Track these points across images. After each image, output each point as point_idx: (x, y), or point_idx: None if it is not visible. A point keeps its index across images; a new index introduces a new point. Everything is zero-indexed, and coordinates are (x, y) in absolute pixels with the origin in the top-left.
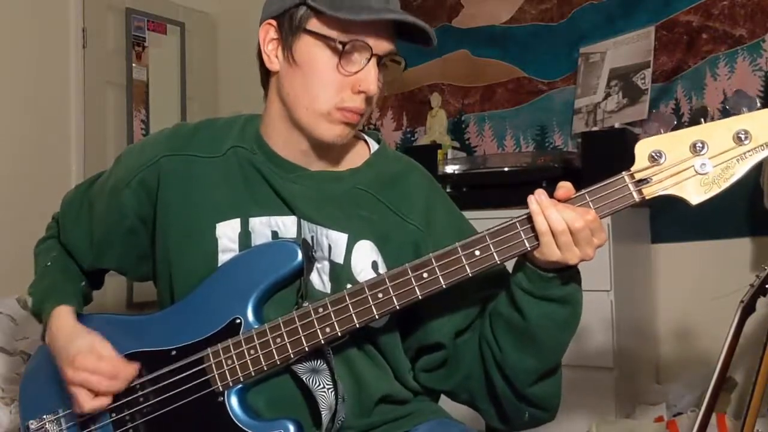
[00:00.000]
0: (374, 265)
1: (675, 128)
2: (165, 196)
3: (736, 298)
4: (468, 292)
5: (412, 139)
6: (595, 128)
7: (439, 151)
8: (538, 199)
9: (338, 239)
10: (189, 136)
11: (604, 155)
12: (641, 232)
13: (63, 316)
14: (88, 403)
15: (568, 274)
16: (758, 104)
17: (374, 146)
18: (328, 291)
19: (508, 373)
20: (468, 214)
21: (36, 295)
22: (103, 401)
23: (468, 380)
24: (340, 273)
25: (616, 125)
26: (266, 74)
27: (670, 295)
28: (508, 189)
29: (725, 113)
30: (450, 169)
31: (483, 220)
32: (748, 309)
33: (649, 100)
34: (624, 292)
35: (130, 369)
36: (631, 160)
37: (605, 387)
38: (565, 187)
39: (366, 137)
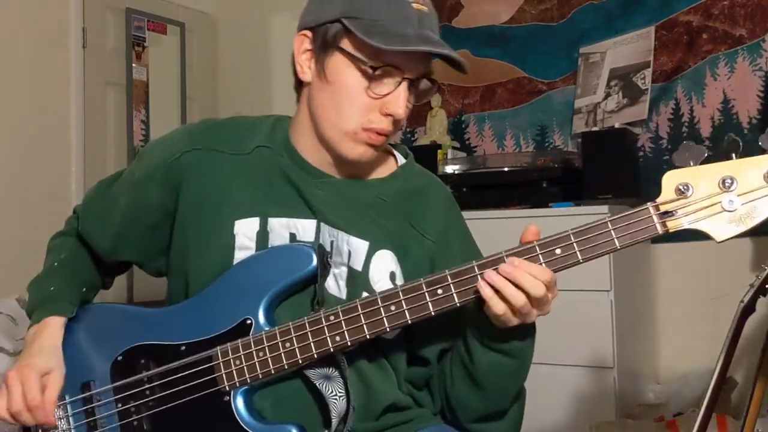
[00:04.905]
0: (392, 276)
1: (705, 161)
2: (188, 190)
3: (736, 298)
4: (460, 312)
5: (412, 139)
6: (595, 128)
7: (439, 151)
8: (490, 281)
9: (359, 246)
10: (216, 131)
11: (604, 155)
12: None
13: (51, 330)
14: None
15: (524, 328)
16: None
17: (401, 160)
18: (344, 297)
19: (453, 404)
20: (468, 214)
21: (34, 295)
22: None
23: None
24: (358, 280)
25: (616, 125)
26: (299, 81)
27: (670, 295)
28: (508, 189)
29: (725, 114)
30: (450, 169)
31: (483, 220)
32: (748, 309)
33: (649, 100)
34: (624, 292)
35: (50, 417)
36: (631, 160)
37: (605, 387)
38: (530, 231)
39: (395, 151)
